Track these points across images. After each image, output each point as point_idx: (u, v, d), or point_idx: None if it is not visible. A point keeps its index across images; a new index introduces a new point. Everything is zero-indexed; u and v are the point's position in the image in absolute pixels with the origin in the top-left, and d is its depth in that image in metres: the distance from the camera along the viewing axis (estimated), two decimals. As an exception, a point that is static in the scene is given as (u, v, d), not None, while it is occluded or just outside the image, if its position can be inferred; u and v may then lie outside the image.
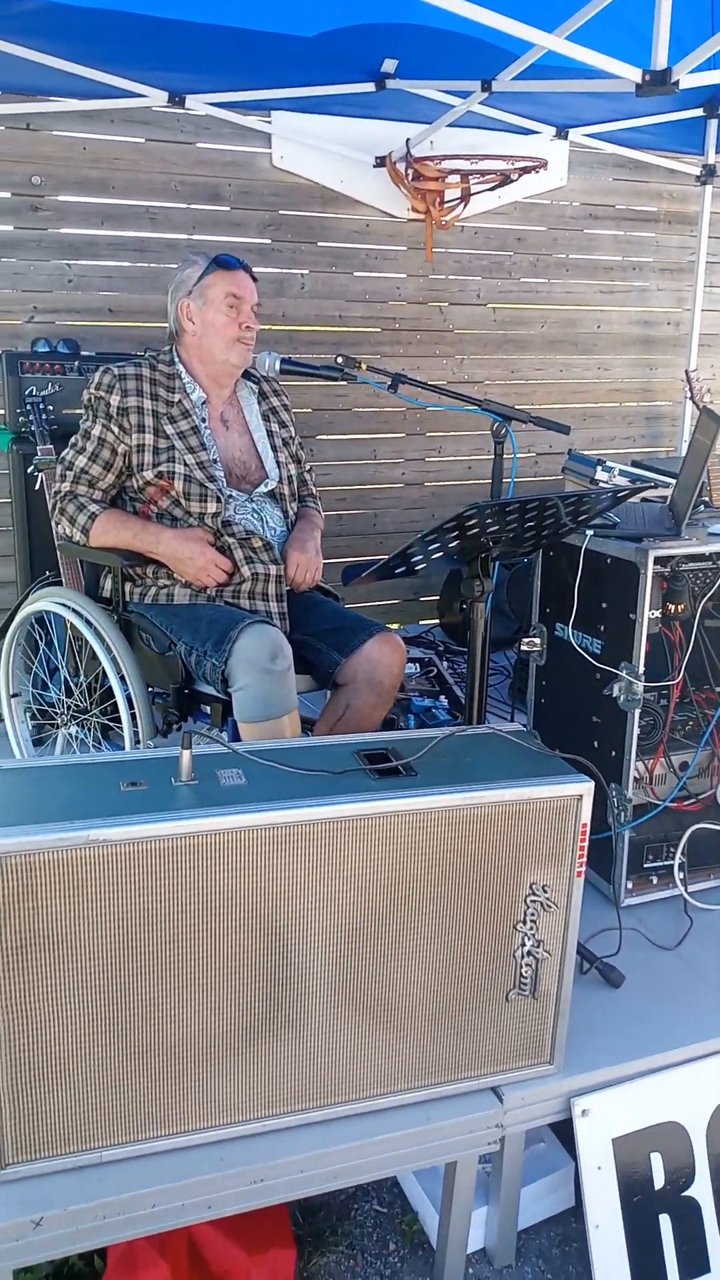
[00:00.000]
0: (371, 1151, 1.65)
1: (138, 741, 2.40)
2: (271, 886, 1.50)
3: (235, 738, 2.20)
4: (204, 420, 2.45)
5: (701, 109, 4.06)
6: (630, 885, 2.27)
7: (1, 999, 1.42)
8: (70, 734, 2.67)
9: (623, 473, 3.65)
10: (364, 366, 2.34)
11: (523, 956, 1.66)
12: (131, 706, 2.37)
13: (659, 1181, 1.77)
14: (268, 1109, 1.61)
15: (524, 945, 1.65)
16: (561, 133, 4.12)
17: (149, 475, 2.36)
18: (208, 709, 2.37)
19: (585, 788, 1.60)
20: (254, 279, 2.45)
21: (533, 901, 1.63)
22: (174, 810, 1.47)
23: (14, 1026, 1.44)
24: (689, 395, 3.97)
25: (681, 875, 2.28)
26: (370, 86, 3.55)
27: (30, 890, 1.40)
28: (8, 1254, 1.48)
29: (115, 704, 2.40)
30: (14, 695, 2.87)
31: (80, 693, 2.58)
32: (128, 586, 2.43)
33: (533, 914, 1.64)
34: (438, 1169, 1.82)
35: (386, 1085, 1.66)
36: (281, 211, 3.94)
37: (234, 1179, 1.58)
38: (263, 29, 3.07)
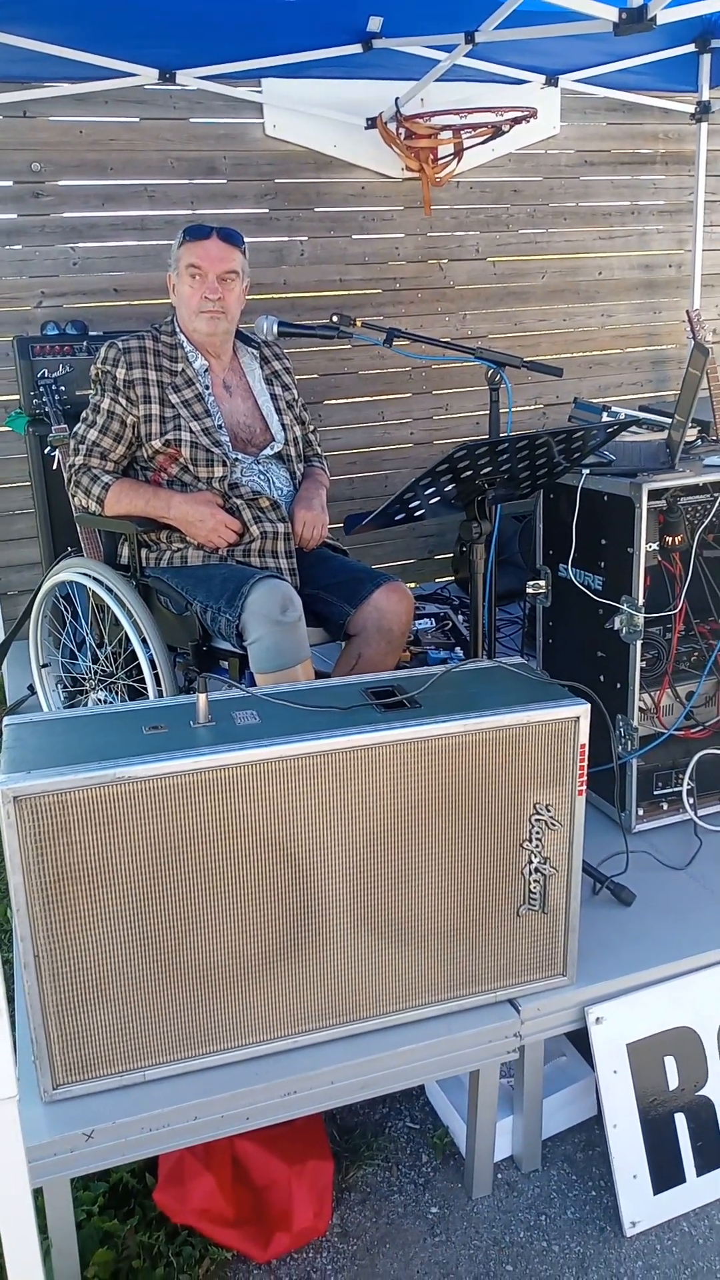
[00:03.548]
0: (396, 1062, 1.75)
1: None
2: (288, 816, 1.60)
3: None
4: (207, 387, 2.53)
5: (694, 44, 4.02)
6: (641, 812, 2.34)
7: (44, 931, 1.53)
8: (99, 699, 2.78)
9: (628, 417, 3.68)
10: (359, 323, 2.39)
11: (531, 873, 1.74)
12: (154, 667, 2.48)
13: (673, 1083, 1.86)
14: (297, 1026, 1.72)
15: (531, 862, 1.74)
16: (551, 80, 4.12)
17: (157, 444, 2.45)
18: (226, 664, 2.46)
19: (581, 710, 1.68)
20: (237, 246, 2.47)
21: (537, 820, 1.71)
22: (193, 748, 1.57)
23: (57, 957, 1.55)
24: (692, 336, 3.98)
25: (691, 800, 2.35)
26: (358, 48, 3.57)
27: (64, 827, 1.50)
28: (63, 1164, 1.60)
29: (139, 667, 2.50)
30: (44, 666, 2.99)
31: (106, 658, 2.69)
32: (144, 552, 2.53)
33: (538, 833, 1.72)
34: (464, 1083, 1.92)
35: (407, 1000, 1.76)
36: (277, 180, 3.99)
37: (268, 1091, 1.69)
38: (247, -3, 3.11)
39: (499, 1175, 1.96)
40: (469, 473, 1.87)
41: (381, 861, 1.67)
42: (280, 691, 1.79)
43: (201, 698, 1.66)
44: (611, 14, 2.36)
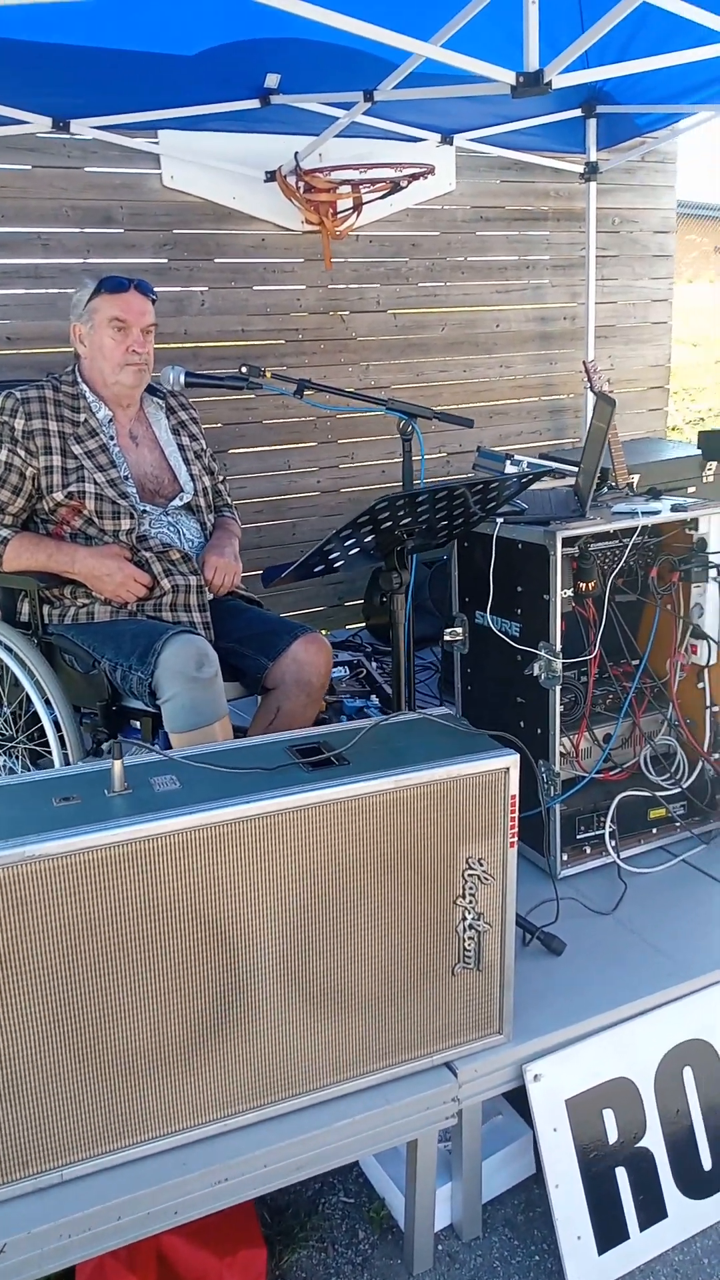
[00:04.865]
0: (332, 1139, 1.67)
1: (68, 763, 2.39)
2: (214, 887, 1.52)
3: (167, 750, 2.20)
4: (112, 438, 2.46)
5: (580, 109, 4.20)
6: (565, 857, 2.34)
7: (-52, 1024, 1.41)
8: (-1, 765, 2.64)
9: (530, 465, 3.76)
10: (269, 374, 2.37)
11: (465, 930, 1.70)
12: (59, 729, 2.36)
13: (613, 1136, 1.83)
14: (227, 1108, 1.62)
15: (465, 919, 1.69)
16: (446, 138, 4.23)
17: (59, 496, 2.36)
18: (138, 724, 2.37)
19: (511, 760, 1.66)
20: (151, 298, 2.46)
21: (470, 875, 1.68)
22: (110, 820, 1.48)
23: (-38, 1051, 1.43)
24: (589, 386, 4.10)
25: (613, 843, 2.36)
26: (255, 103, 3.60)
27: (-31, 911, 1.40)
28: (-27, 1282, 1.47)
29: (43, 729, 2.38)
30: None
31: (5, 721, 2.56)
32: (46, 609, 2.42)
33: (471, 888, 1.68)
34: (400, 1152, 1.85)
35: (342, 1072, 1.69)
36: (175, 230, 3.96)
37: (198, 1181, 1.58)
38: (144, 49, 3.09)
39: (439, 1246, 1.89)
40: (389, 523, 1.85)
41: (312, 928, 1.60)
42: (201, 753, 1.72)
43: (116, 764, 1.58)
44: (509, 77, 2.43)
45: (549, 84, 2.43)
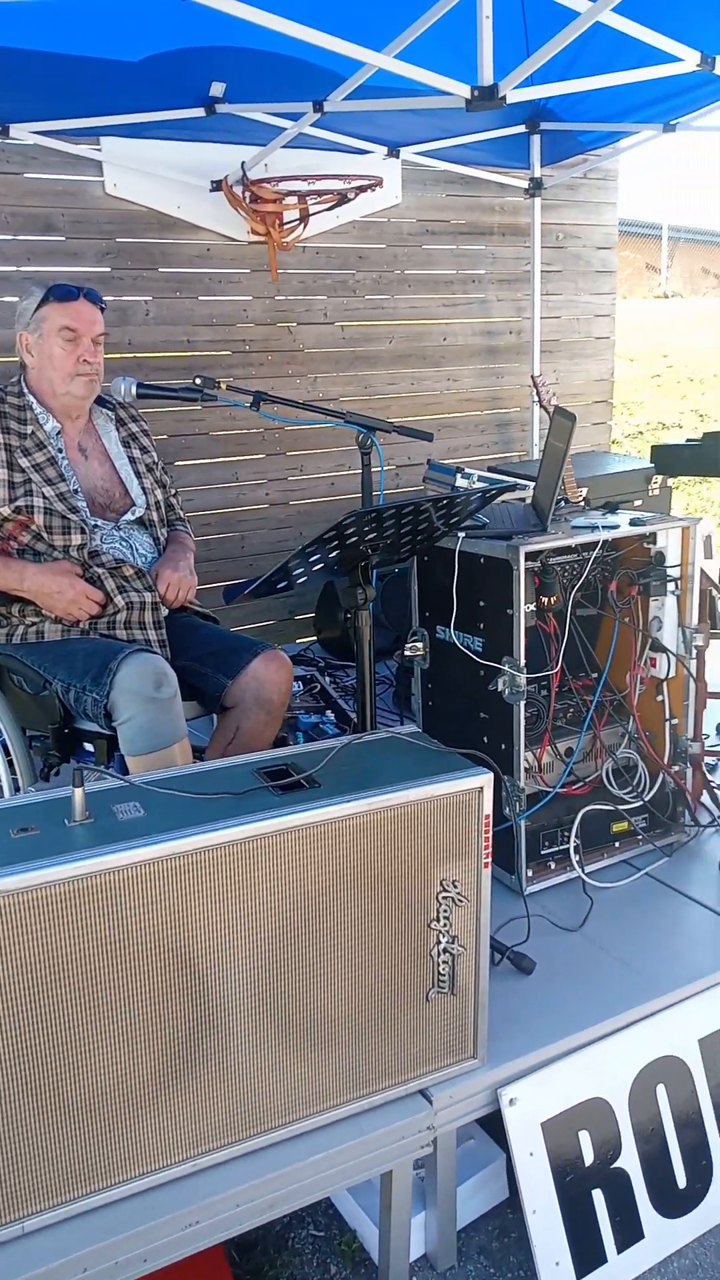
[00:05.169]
0: (306, 1174, 1.62)
1: (17, 789, 2.31)
2: (183, 917, 1.46)
3: (124, 773, 2.13)
4: (61, 451, 2.38)
5: (524, 125, 4.24)
6: (530, 873, 2.32)
7: None
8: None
9: (480, 478, 3.76)
10: (224, 386, 2.33)
11: (439, 954, 1.66)
12: (7, 753, 2.28)
13: (589, 1158, 1.80)
14: (196, 1147, 1.56)
15: (439, 943, 1.66)
16: (393, 152, 4.23)
17: (6, 511, 2.27)
18: (91, 747, 2.29)
19: (485, 780, 1.63)
20: (101, 306, 2.40)
21: (444, 898, 1.64)
22: (72, 852, 1.41)
23: None
24: (537, 400, 4.13)
25: (578, 858, 2.35)
26: (200, 111, 3.55)
27: None
28: (-70, 1348, 1.38)
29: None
30: None
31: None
32: (-6, 627, 2.33)
33: (445, 910, 1.65)
34: (372, 1183, 1.80)
35: (316, 1104, 1.63)
36: (119, 239, 3.89)
37: (167, 1226, 1.52)
38: (87, 54, 3.02)
39: (414, 1278, 1.84)
40: (354, 539, 1.81)
41: (284, 958, 1.55)
42: (164, 778, 1.66)
43: (77, 792, 1.51)
44: (464, 90, 2.42)
45: (503, 98, 2.43)
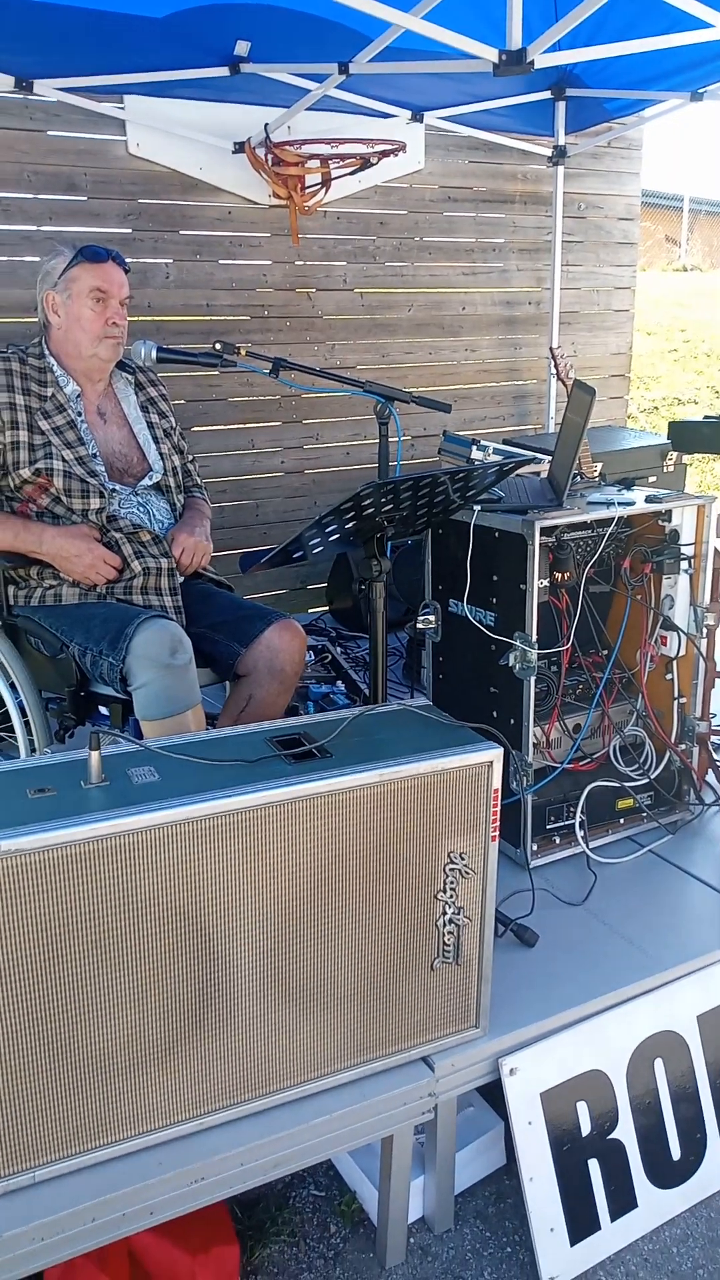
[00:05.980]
0: (309, 1136, 1.65)
1: (33, 750, 2.33)
2: (195, 882, 1.48)
3: (138, 738, 2.15)
4: (80, 414, 2.38)
5: (549, 91, 4.17)
6: (535, 847, 2.34)
7: None
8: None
9: (496, 451, 3.74)
10: (243, 352, 2.31)
11: (445, 925, 1.68)
12: (24, 714, 2.29)
13: (586, 1128, 1.83)
14: (203, 1106, 1.59)
15: (445, 914, 1.68)
16: (417, 116, 4.17)
17: (25, 473, 2.28)
18: (106, 710, 2.31)
19: (495, 754, 1.64)
20: (126, 269, 2.39)
21: (451, 870, 1.66)
22: (89, 813, 1.43)
23: (-69, 1052, 1.38)
24: (554, 373, 4.09)
25: (583, 833, 2.37)
26: (224, 71, 3.50)
27: (-60, 909, 1.34)
28: (-58, 1289, 1.42)
29: (7, 714, 2.31)
30: None
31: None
32: (11, 590, 2.34)
33: (452, 882, 1.67)
34: (372, 1145, 1.83)
35: (320, 1068, 1.66)
36: (141, 200, 3.85)
37: (173, 1181, 1.55)
38: (111, 9, 2.98)
39: (411, 1239, 1.88)
40: (371, 510, 1.81)
41: (293, 924, 1.57)
42: (179, 744, 1.67)
43: (94, 755, 1.53)
44: (492, 54, 2.38)
45: (531, 63, 2.39)
